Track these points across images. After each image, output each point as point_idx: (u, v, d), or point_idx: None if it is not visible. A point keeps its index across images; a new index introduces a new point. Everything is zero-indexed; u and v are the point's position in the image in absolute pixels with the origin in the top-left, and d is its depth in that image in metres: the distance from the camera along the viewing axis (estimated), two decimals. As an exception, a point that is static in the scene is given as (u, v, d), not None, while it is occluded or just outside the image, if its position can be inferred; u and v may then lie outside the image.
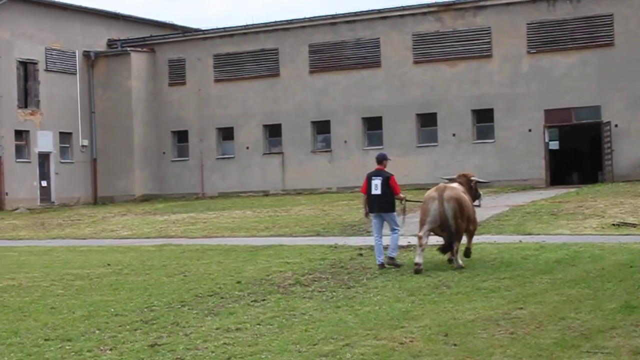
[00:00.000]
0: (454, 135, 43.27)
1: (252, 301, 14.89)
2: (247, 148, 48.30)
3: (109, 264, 21.06)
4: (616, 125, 40.04)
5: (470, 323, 12.15)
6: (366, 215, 19.19)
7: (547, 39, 41.75)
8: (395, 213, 18.68)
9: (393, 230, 18.63)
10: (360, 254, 20.41)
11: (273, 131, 48.03)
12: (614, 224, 24.55)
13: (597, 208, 28.22)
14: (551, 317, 12.25)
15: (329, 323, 12.66)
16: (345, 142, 45.81)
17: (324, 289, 15.84)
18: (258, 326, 12.74)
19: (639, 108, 39.89)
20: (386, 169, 18.84)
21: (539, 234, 23.32)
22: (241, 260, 20.69)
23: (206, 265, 20.07)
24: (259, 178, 47.72)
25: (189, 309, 14.43)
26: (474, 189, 19.23)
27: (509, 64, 42.47)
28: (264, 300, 14.96)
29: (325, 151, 46.51)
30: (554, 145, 43.41)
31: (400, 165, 43.55)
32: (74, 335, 12.57)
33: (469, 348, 10.75)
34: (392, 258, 18.46)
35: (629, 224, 24.46)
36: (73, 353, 11.51)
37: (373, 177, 18.65)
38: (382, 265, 18.24)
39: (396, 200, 18.69)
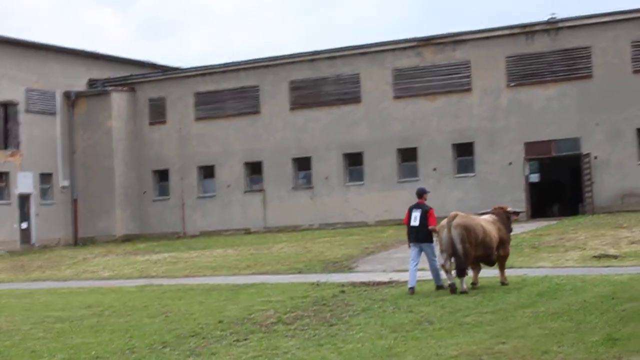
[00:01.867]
0: (434, 169, 43.34)
1: (234, 341, 14.81)
2: (228, 186, 48.22)
3: (89, 306, 20.94)
4: (596, 157, 40.21)
5: (454, 359, 12.12)
6: (409, 246, 20.19)
7: (526, 72, 41.98)
8: (433, 244, 19.79)
9: (431, 260, 19.67)
10: (343, 291, 20.34)
11: (254, 168, 48.01)
12: (595, 256, 24.60)
13: (578, 240, 28.30)
14: (534, 351, 12.22)
15: (312, 362, 12.61)
16: (327, 178, 45.81)
17: (306, 327, 15.77)
18: (240, 366, 12.67)
19: (618, 140, 40.09)
20: (426, 202, 20.09)
21: (520, 267, 23.30)
22: (223, 299, 20.60)
23: (188, 305, 19.97)
24: (241, 216, 47.61)
25: (170, 350, 14.34)
26: (510, 221, 20.39)
27: (489, 98, 42.66)
28: (246, 339, 14.88)
29: (307, 188, 46.48)
30: (535, 177, 43.52)
31: (381, 200, 43.66)
32: (54, 379, 12.46)
33: (451, 384, 10.71)
34: (439, 286, 19.43)
35: (610, 255, 24.51)
36: (53, 397, 11.40)
37: (413, 210, 19.93)
38: (411, 290, 19.29)
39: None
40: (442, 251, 19.16)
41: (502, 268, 19.89)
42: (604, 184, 40.05)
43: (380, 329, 15.13)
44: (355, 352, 13.15)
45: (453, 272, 19.06)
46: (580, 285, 18.72)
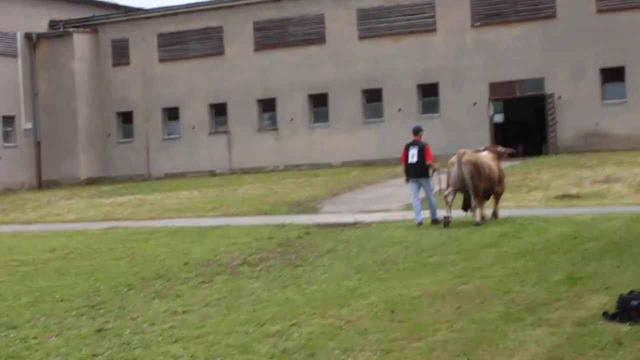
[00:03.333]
0: (399, 110, 43.34)
1: (199, 283, 14.85)
2: (193, 128, 48.02)
3: (54, 249, 20.85)
4: (559, 97, 40.35)
5: (417, 299, 12.22)
6: (406, 181, 21.29)
7: (490, 12, 41.90)
8: (430, 178, 20.98)
9: (429, 194, 20.82)
10: (307, 233, 20.41)
11: (219, 110, 47.80)
12: (558, 196, 24.82)
13: (541, 180, 28.52)
14: (496, 291, 12.36)
15: (276, 303, 12.67)
16: (292, 119, 45.71)
17: (271, 269, 15.83)
18: (205, 308, 12.71)
19: (581, 79, 40.23)
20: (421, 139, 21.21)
21: (484, 207, 23.46)
22: (188, 241, 20.61)
23: (153, 247, 19.96)
24: (206, 158, 47.48)
25: (135, 292, 14.35)
26: (501, 160, 21.69)
27: (454, 38, 42.58)
28: (211, 281, 14.92)
29: (272, 129, 46.39)
30: (499, 118, 43.65)
31: (347, 141, 43.71)
32: (19, 322, 12.44)
33: (415, 324, 10.81)
34: (435, 220, 20.43)
35: (573, 195, 24.75)
36: (18, 340, 11.38)
37: (410, 147, 20.93)
38: (420, 224, 20.28)
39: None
40: (448, 185, 20.15)
41: (497, 202, 20.94)
42: (567, 124, 40.24)
43: (345, 270, 15.22)
44: (319, 293, 13.23)
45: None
46: (543, 225, 18.90)
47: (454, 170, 19.99)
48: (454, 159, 20.16)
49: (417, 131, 21.32)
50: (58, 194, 41.07)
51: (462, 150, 20.42)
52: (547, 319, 10.66)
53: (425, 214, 20.79)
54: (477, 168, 19.95)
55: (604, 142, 39.35)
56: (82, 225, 27.66)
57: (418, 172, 20.82)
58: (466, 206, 20.26)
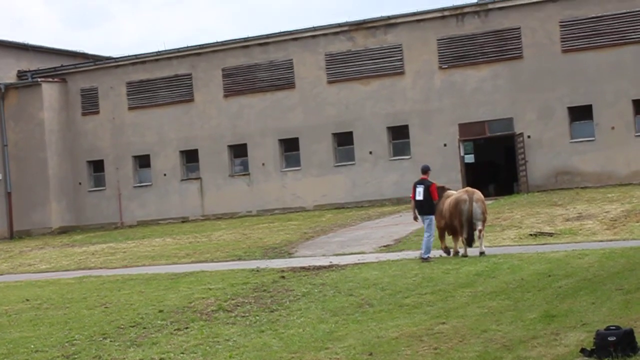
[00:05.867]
0: (370, 153, 43.47)
1: (175, 330, 14.77)
2: (165, 175, 47.91)
3: (27, 299, 20.68)
4: (529, 137, 40.61)
5: (394, 340, 12.21)
6: (415, 218, 22.41)
7: (457, 54, 42.23)
8: (433, 216, 21.86)
9: (426, 232, 21.68)
10: (283, 277, 20.37)
11: (190, 157, 47.74)
12: (531, 234, 24.95)
13: (514, 219, 28.64)
14: (473, 330, 12.37)
15: (253, 348, 12.62)
16: (263, 164, 45.73)
17: (247, 314, 15.78)
18: (182, 355, 12.65)
19: (549, 118, 40.55)
20: (428, 177, 22.52)
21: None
22: (163, 288, 20.49)
23: (127, 295, 19.83)
24: (178, 205, 47.34)
25: (111, 341, 14.26)
26: None
27: (422, 80, 42.86)
28: (187, 328, 14.85)
29: (244, 175, 46.36)
30: (470, 158, 43.85)
31: (318, 185, 43.75)
32: (-7, 375, 12.33)
33: (393, 366, 10.80)
34: (424, 259, 20.96)
35: (546, 233, 24.89)
36: (-7, 393, 11.28)
37: (417, 185, 22.22)
38: (426, 259, 20.96)
39: None
40: (462, 222, 21.28)
41: (458, 241, 22.05)
42: (537, 162, 40.47)
43: (321, 313, 15.19)
44: (296, 337, 13.20)
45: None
46: (517, 263, 18.98)
47: (466, 207, 21.26)
48: (464, 196, 21.58)
49: (425, 170, 22.75)
50: (30, 244, 40.83)
51: (470, 189, 22.25)
52: (525, 357, 10.68)
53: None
54: (484, 204, 21.63)
55: (574, 180, 39.62)
56: (55, 274, 27.47)
57: (425, 209, 21.82)
58: (470, 241, 21.25)
